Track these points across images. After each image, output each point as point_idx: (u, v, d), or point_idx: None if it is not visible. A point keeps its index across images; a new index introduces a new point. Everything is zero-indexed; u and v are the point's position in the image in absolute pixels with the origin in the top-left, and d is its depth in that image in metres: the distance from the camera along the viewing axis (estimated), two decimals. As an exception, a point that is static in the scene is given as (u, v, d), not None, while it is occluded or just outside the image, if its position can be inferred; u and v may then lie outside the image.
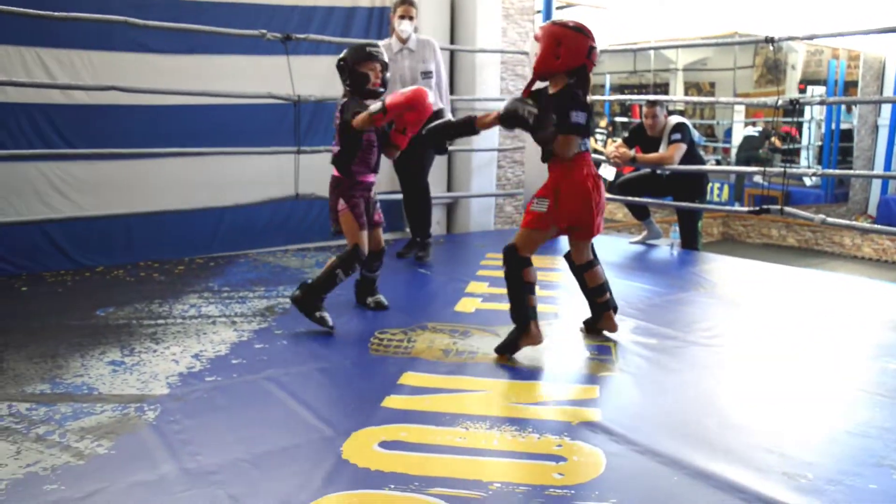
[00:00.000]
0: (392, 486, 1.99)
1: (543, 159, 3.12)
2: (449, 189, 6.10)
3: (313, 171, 5.12)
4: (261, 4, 5.12)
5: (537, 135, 3.03)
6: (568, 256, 3.37)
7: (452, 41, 5.98)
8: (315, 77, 5.29)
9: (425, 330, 3.36)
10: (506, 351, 3.05)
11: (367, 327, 3.39)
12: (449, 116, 4.34)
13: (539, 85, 3.10)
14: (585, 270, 3.32)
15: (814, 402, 2.71)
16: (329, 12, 5.42)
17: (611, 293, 3.36)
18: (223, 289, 4.05)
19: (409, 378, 2.77)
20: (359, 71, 3.36)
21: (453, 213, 6.17)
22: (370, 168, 3.50)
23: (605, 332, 3.36)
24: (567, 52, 2.95)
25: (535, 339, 3.07)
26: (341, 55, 3.42)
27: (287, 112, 5.03)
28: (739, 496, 1.98)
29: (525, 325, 3.05)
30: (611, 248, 5.47)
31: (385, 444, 2.23)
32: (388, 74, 3.45)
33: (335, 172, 3.51)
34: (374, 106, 3.24)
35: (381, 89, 3.42)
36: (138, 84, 4.46)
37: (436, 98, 4.46)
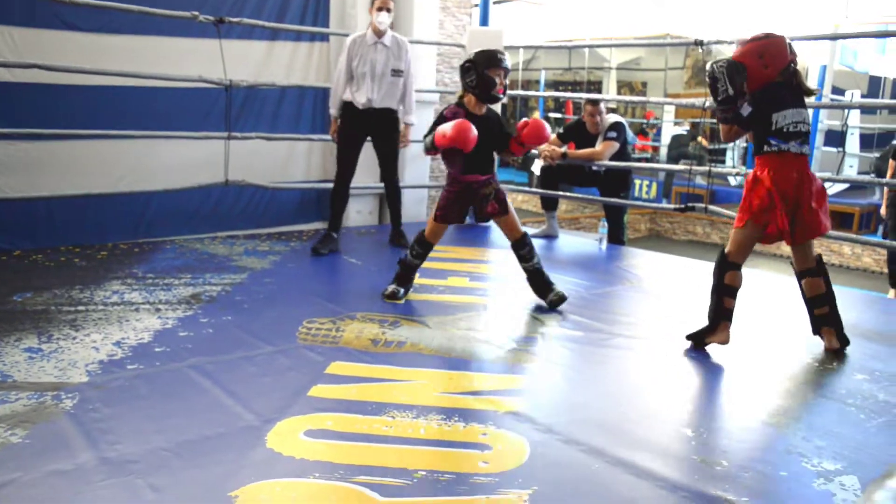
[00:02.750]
0: (317, 475, 1.98)
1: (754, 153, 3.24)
2: (381, 180, 6.07)
3: (244, 158, 5.05)
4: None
5: (718, 111, 3.16)
6: (792, 262, 3.36)
7: (389, 31, 5.94)
8: (248, 62, 5.21)
9: (354, 320, 3.35)
10: (694, 340, 3.24)
11: (295, 317, 3.35)
12: (411, 119, 4.72)
13: None
14: (802, 278, 3.29)
15: (731, 393, 2.81)
16: (264, -4, 5.34)
17: (836, 312, 3.26)
18: (148, 275, 3.95)
19: (337, 367, 2.76)
20: (488, 75, 3.50)
21: (385, 204, 6.15)
22: (463, 169, 3.59)
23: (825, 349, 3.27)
24: (772, 58, 3.08)
25: (723, 338, 3.19)
26: (470, 58, 3.56)
27: (218, 97, 4.93)
28: (657, 483, 2.04)
29: (715, 323, 3.19)
30: (540, 242, 5.54)
31: (311, 433, 2.22)
32: (507, 81, 3.61)
33: None
34: (427, 142, 3.50)
35: (503, 95, 3.58)
36: (63, 63, 4.31)
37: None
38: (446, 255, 4.65)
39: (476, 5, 6.82)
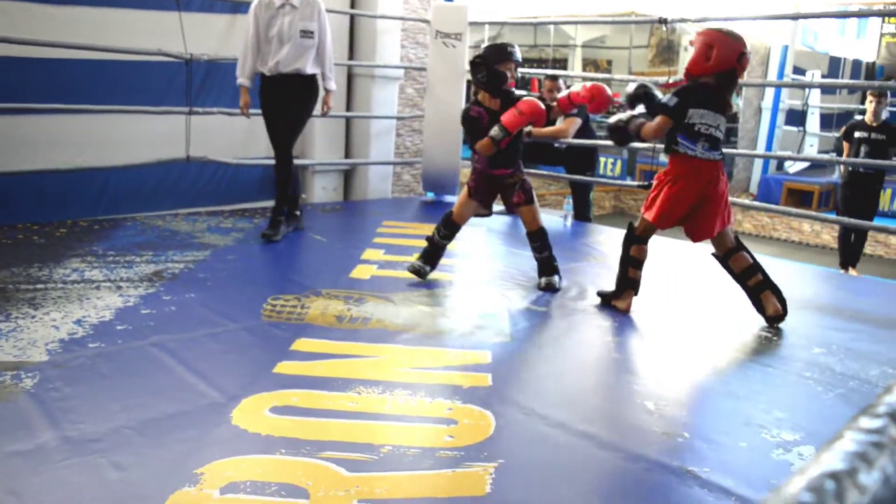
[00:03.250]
0: (283, 451, 1.98)
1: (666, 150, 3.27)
2: (347, 156, 6.04)
3: (205, 133, 4.97)
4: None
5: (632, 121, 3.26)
6: (713, 254, 3.41)
7: (353, 6, 5.88)
8: (209, 35, 5.12)
9: (319, 296, 3.34)
10: (602, 299, 3.46)
11: (259, 294, 3.33)
12: (331, 84, 4.42)
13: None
14: (727, 258, 3.34)
15: (693, 366, 2.86)
16: (225, -31, 5.24)
17: (768, 276, 3.30)
18: (108, 253, 3.89)
19: (302, 344, 2.75)
20: (499, 70, 3.49)
21: (350, 181, 6.13)
22: (495, 164, 3.59)
23: (768, 317, 3.29)
24: (719, 55, 3.08)
25: (625, 306, 3.37)
26: (480, 53, 3.55)
27: (179, 71, 4.84)
28: (620, 455, 2.07)
29: (620, 290, 3.39)
30: (496, 218, 5.56)
31: (276, 410, 2.21)
32: (518, 74, 3.60)
33: None
34: (497, 132, 3.38)
35: (514, 90, 3.56)
36: (19, 35, 4.19)
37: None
38: (412, 231, 4.64)
39: (441, -20, 6.76)
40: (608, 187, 11.22)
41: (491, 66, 3.50)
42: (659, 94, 3.26)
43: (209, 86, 5.20)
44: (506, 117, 3.38)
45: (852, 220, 5.25)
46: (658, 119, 3.18)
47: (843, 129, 6.29)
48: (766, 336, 3.19)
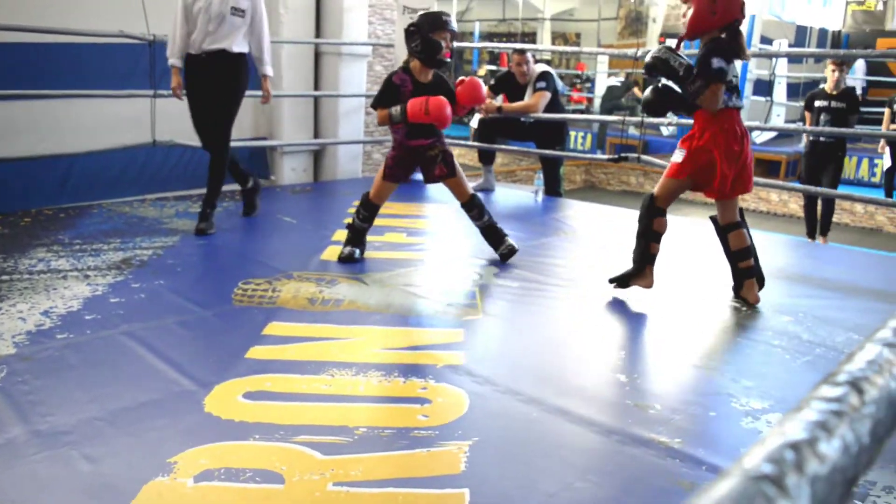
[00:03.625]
0: (257, 437, 1.97)
1: (689, 113, 3.15)
2: (316, 136, 5.98)
3: (171, 117, 4.88)
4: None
5: (686, 87, 2.99)
6: (714, 218, 3.29)
7: (318, -17, 5.80)
8: (172, 15, 5.01)
9: (291, 279, 3.32)
10: (618, 283, 3.24)
11: (230, 278, 3.30)
12: (268, 69, 4.23)
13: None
14: (728, 231, 3.21)
15: (662, 338, 2.89)
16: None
17: (758, 262, 3.27)
18: (75, 241, 3.83)
19: (275, 328, 2.74)
20: (433, 39, 3.41)
21: (320, 161, 6.07)
22: (414, 134, 3.55)
23: (746, 302, 3.22)
24: (723, 7, 2.91)
25: (648, 282, 3.21)
26: (414, 21, 3.48)
27: (142, 53, 4.75)
28: (593, 429, 2.09)
29: (641, 267, 3.20)
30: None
31: (249, 395, 2.20)
32: (454, 44, 3.54)
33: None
34: (396, 114, 3.38)
35: (449, 59, 3.50)
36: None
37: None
38: (383, 210, 4.62)
39: (407, -44, 6.68)
40: (578, 161, 11.25)
41: (425, 35, 3.42)
42: (677, 58, 3.00)
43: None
44: (413, 107, 3.35)
45: (818, 189, 5.30)
46: (713, 87, 2.95)
47: (805, 98, 6.31)
48: (735, 306, 3.22)
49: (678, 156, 3.10)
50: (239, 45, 4.08)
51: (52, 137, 4.59)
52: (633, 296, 3.31)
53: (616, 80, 13.19)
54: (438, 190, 5.72)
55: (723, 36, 2.98)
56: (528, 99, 5.43)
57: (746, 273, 3.23)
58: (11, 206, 4.45)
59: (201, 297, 3.06)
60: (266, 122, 5.72)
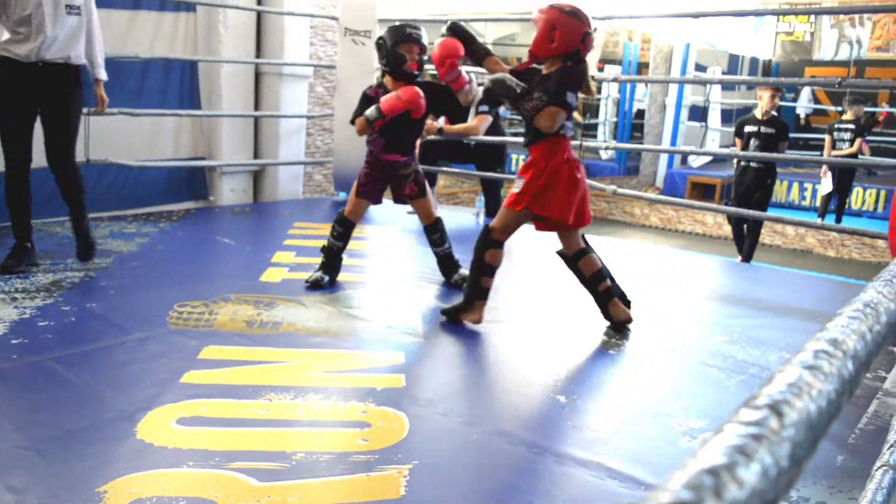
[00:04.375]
0: (191, 464, 1.92)
1: (526, 143, 3.07)
2: (256, 156, 5.92)
3: (107, 135, 4.79)
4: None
5: (523, 105, 2.97)
6: (560, 252, 3.24)
7: (259, 2, 5.77)
8: (109, 32, 4.89)
9: (228, 301, 3.25)
10: (448, 317, 3.16)
11: (165, 301, 3.22)
12: (102, 73, 3.77)
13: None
14: (578, 260, 3.18)
15: (601, 360, 2.92)
16: (123, -37, 5.04)
17: (613, 280, 3.24)
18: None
19: (211, 352, 2.68)
20: (398, 51, 3.40)
21: (260, 181, 6.00)
22: (384, 148, 3.53)
23: (617, 323, 3.19)
24: (562, 37, 2.94)
25: (476, 318, 3.11)
26: (381, 34, 3.46)
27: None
28: (532, 450, 2.09)
29: (471, 301, 3.11)
30: (409, 217, 5.55)
31: (183, 421, 2.14)
32: (424, 57, 3.49)
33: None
34: (371, 112, 3.30)
35: (417, 72, 3.47)
36: None
37: None
38: (323, 232, 4.58)
39: (349, -22, 6.70)
40: (520, 183, 11.35)
41: (390, 48, 3.43)
42: (514, 80, 2.98)
43: (109, 85, 4.98)
44: (384, 100, 3.33)
45: (750, 212, 5.40)
46: (553, 109, 2.94)
47: (735, 125, 6.41)
48: (671, 327, 3.28)
49: (517, 185, 3.06)
50: (82, 55, 3.60)
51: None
52: (571, 318, 3.35)
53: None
54: (380, 211, 5.70)
55: (569, 64, 2.98)
56: (470, 121, 5.47)
57: (607, 294, 3.19)
58: (-66, 225, 4.27)
59: (135, 321, 2.97)
60: (205, 141, 5.64)
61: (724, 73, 13.71)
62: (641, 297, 3.75)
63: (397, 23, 3.59)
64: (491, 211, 5.67)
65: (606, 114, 13.38)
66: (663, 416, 2.37)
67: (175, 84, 5.41)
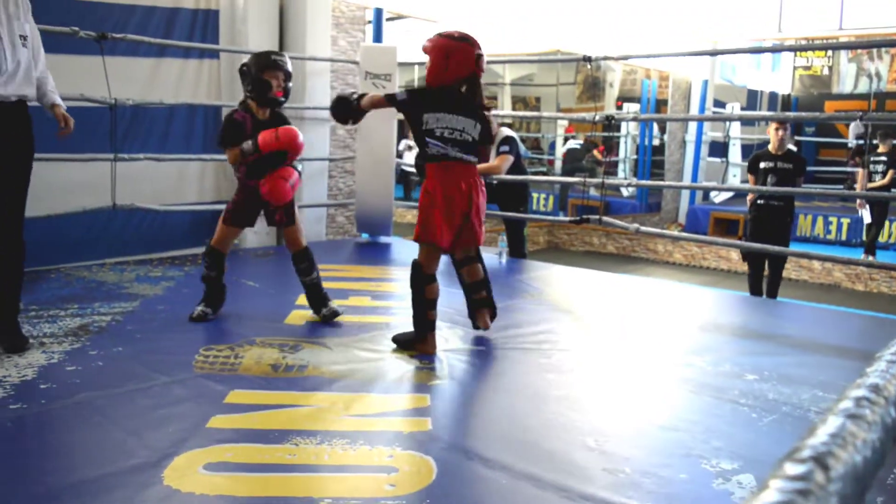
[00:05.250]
0: (217, 510, 1.90)
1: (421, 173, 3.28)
2: None
3: (132, 181, 4.86)
4: (75, 0, 4.79)
5: (355, 105, 3.23)
6: (451, 256, 3.49)
7: (282, 48, 5.87)
8: (134, 80, 5.03)
9: (253, 345, 3.26)
10: (400, 345, 3.30)
11: (191, 345, 3.24)
12: (58, 98, 3.32)
13: None
14: (462, 266, 3.45)
15: (630, 400, 2.88)
16: (150, 12, 5.17)
17: (490, 293, 3.52)
18: (31, 307, 3.73)
19: (237, 396, 2.68)
20: (262, 78, 3.44)
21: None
22: (252, 175, 3.52)
23: (477, 327, 3.52)
24: (456, 63, 3.08)
25: (429, 348, 3.26)
26: (245, 61, 3.49)
27: (103, 116, 4.73)
28: (562, 494, 2.06)
29: (423, 334, 3.27)
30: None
31: (210, 467, 2.14)
32: (290, 84, 3.53)
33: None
34: (248, 146, 3.37)
35: (283, 98, 3.50)
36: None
37: None
38: (347, 274, 4.60)
39: (369, 22, 6.82)
40: (541, 223, 11.37)
41: (255, 75, 3.46)
42: (353, 92, 3.37)
43: (134, 131, 5.10)
44: (263, 136, 3.37)
45: (776, 248, 5.32)
46: (373, 96, 3.25)
47: (749, 160, 6.08)
48: (701, 365, 3.24)
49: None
50: (34, 93, 3.15)
51: (10, 202, 4.51)
52: (600, 358, 3.32)
53: (575, 143, 13.45)
54: (403, 252, 5.72)
55: (449, 87, 3.12)
56: (493, 161, 5.50)
57: (481, 304, 3.48)
58: (-35, 271, 4.33)
59: (161, 365, 2.98)
60: (228, 185, 5.70)
61: (742, 108, 13.73)
62: (668, 336, 3.71)
63: (263, 51, 3.71)
64: (515, 250, 5.67)
65: (626, 151, 13.41)
66: (695, 457, 2.33)
67: (199, 129, 5.51)
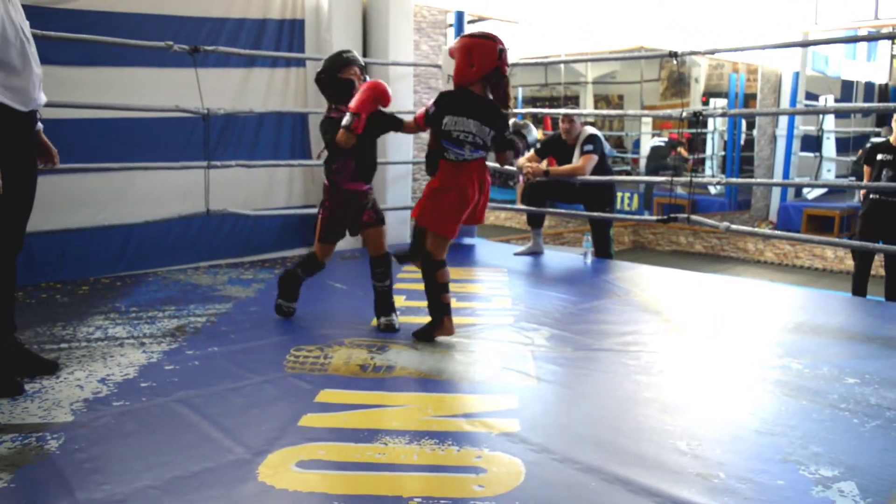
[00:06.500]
0: (310, 507, 1.94)
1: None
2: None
3: (224, 187, 5.02)
4: (168, 16, 4.98)
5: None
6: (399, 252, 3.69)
7: (365, 54, 5.96)
8: (225, 90, 5.19)
9: (342, 346, 3.32)
10: (420, 338, 3.39)
11: (282, 345, 3.32)
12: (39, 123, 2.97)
13: None
14: (438, 269, 3.43)
15: (723, 403, 2.80)
16: (239, 24, 5.33)
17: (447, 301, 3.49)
18: (131, 309, 3.90)
19: (327, 395, 2.73)
20: (342, 79, 3.43)
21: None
22: (353, 175, 3.53)
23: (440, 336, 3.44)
24: (479, 59, 3.18)
25: (448, 331, 3.38)
26: (321, 69, 3.47)
27: (196, 126, 4.91)
28: (655, 499, 2.02)
29: (439, 319, 3.37)
30: (516, 259, 5.54)
31: (303, 464, 2.18)
32: (366, 76, 3.51)
33: (325, 181, 3.60)
34: (346, 119, 3.26)
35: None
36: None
37: None
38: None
39: (451, 25, 6.86)
40: (626, 222, 11.20)
41: (334, 78, 3.41)
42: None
43: (226, 139, 5.26)
44: (351, 103, 3.27)
45: (875, 246, 5.07)
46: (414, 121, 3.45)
47: (865, 151, 5.77)
48: (797, 367, 3.12)
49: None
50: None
51: (111, 208, 4.74)
52: (690, 360, 3.24)
53: (660, 141, 13.19)
54: (490, 253, 5.73)
55: (474, 87, 3.25)
56: (576, 162, 5.45)
57: (447, 308, 3.41)
58: (71, 274, 4.57)
59: (254, 364, 3.07)
60: (316, 189, 5.83)
61: (837, 100, 13.18)
62: (761, 337, 3.59)
63: (333, 53, 3.60)
64: (601, 251, 5.60)
65: (713, 148, 13.07)
66: (792, 463, 2.25)
67: (287, 136, 5.65)
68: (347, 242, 5.82)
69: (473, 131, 3.24)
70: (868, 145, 5.94)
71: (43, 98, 2.84)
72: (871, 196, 5.52)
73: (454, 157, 3.26)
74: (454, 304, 3.96)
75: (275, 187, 5.62)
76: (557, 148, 5.64)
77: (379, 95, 3.30)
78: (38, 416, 2.51)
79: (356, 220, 3.61)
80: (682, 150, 12.35)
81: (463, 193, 3.29)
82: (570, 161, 5.52)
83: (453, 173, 3.29)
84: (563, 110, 5.94)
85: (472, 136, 3.24)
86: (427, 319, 3.44)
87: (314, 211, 4.96)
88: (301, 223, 5.70)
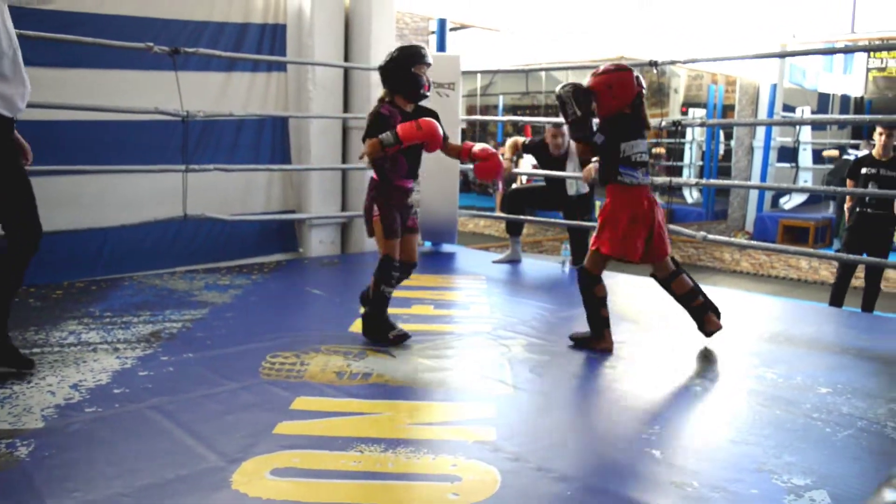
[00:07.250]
0: (284, 516, 1.93)
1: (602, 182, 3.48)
2: (343, 208, 6.05)
3: (202, 191, 4.99)
4: (150, 18, 4.94)
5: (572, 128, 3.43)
6: (653, 275, 3.63)
7: (347, 59, 5.96)
8: (205, 94, 5.16)
9: (319, 352, 3.30)
10: (578, 344, 3.50)
11: (258, 351, 3.30)
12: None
13: None
14: (670, 282, 3.56)
15: (699, 412, 2.82)
16: (221, 28, 5.30)
17: (706, 296, 3.59)
18: (105, 314, 3.86)
19: (302, 402, 2.71)
20: (414, 73, 3.39)
21: (347, 233, 6.12)
22: (406, 173, 3.48)
23: (710, 333, 3.56)
24: (620, 90, 3.31)
25: (607, 346, 3.44)
26: (390, 56, 3.42)
27: (175, 129, 4.87)
28: (629, 508, 2.02)
29: (599, 332, 3.46)
30: (495, 267, 5.55)
31: (277, 472, 2.17)
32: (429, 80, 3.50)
33: (374, 175, 3.49)
34: (387, 137, 3.25)
35: (429, 93, 3.46)
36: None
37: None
38: (411, 282, 4.61)
39: (433, 32, 6.87)
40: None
41: (406, 70, 3.37)
42: (573, 106, 3.34)
43: (205, 143, 5.23)
44: (403, 128, 3.25)
45: (851, 257, 5.14)
46: (587, 146, 3.45)
47: (849, 165, 5.80)
48: (771, 377, 3.15)
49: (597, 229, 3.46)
50: None
51: (88, 211, 4.69)
52: (666, 369, 3.26)
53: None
54: (468, 261, 5.73)
55: (627, 111, 3.34)
56: (584, 172, 5.39)
57: (701, 309, 3.55)
58: (45, 278, 4.51)
59: (229, 371, 3.05)
60: (294, 194, 5.81)
61: (813, 112, 13.35)
62: (737, 347, 3.62)
63: (408, 44, 3.57)
64: (579, 259, 5.61)
65: (691, 157, 13.18)
66: (766, 472, 2.26)
67: (267, 140, 5.62)
68: (325, 249, 5.83)
69: (645, 150, 3.38)
70: (852, 158, 6.00)
71: (23, 106, 2.92)
72: (857, 210, 5.56)
73: (629, 181, 3.34)
74: (431, 311, 3.97)
75: (253, 192, 5.59)
76: (540, 155, 5.66)
77: (430, 140, 3.35)
78: (7, 422, 2.48)
79: (403, 221, 3.53)
80: (660, 150, 12.42)
81: (634, 216, 3.34)
82: (552, 169, 5.55)
83: (622, 197, 3.37)
84: (549, 119, 5.95)
85: (642, 154, 3.37)
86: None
87: (293, 216, 4.98)
88: (280, 228, 5.68)
